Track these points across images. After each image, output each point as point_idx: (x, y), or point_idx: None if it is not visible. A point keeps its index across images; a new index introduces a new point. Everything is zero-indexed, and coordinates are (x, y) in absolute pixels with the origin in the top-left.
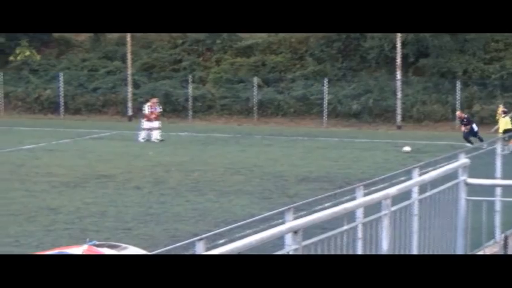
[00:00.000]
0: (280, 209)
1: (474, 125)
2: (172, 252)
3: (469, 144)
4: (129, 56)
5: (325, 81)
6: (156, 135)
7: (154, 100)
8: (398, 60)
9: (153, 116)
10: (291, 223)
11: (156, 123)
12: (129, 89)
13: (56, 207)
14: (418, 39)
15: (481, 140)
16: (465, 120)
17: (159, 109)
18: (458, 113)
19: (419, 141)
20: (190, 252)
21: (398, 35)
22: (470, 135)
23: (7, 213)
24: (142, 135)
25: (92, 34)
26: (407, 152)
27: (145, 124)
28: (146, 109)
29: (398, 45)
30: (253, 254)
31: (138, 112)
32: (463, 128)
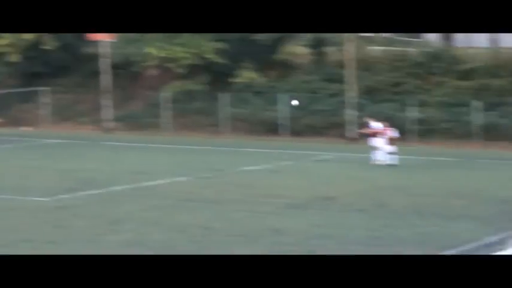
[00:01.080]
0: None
1: None
2: None
3: None
4: (350, 79)
5: None
6: (381, 156)
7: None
8: None
9: (385, 136)
10: None
11: (388, 147)
12: (351, 111)
13: (280, 228)
14: None
15: None
16: None
17: (395, 134)
18: None
19: None
20: None
21: None
22: None
23: (231, 233)
24: (383, 156)
25: (312, 57)
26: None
27: (379, 142)
28: (375, 126)
29: None
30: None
31: (360, 135)
32: None
